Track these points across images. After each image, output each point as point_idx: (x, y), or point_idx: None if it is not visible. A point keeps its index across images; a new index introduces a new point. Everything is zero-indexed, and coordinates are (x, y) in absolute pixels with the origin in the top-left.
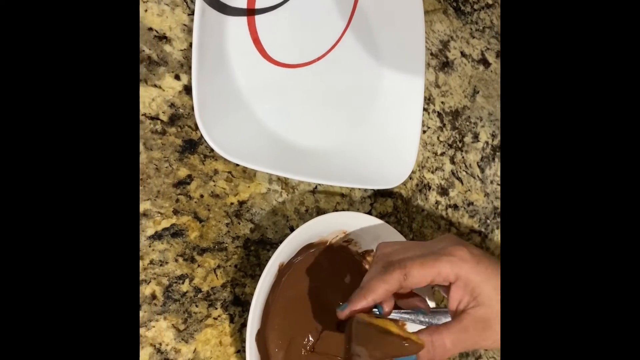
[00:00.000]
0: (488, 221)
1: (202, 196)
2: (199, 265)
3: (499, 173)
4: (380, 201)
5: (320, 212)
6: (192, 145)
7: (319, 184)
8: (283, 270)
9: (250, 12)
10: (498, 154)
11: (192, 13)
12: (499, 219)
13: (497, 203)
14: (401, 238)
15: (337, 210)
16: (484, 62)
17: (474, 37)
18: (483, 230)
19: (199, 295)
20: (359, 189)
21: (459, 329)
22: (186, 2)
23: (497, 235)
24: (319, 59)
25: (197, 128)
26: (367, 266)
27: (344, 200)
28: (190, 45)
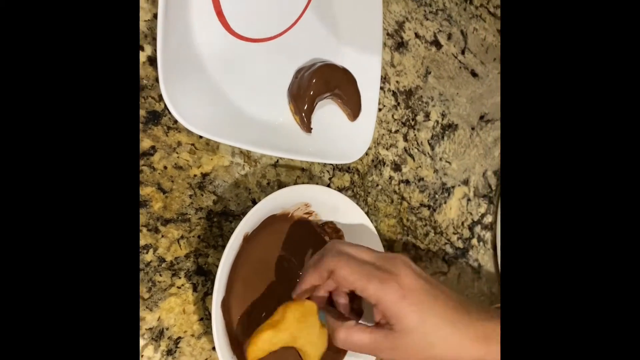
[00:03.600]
0: (437, 196)
1: (165, 168)
2: (162, 236)
3: (447, 150)
4: (338, 175)
5: (281, 185)
6: (156, 117)
7: (280, 158)
8: (246, 240)
9: None
10: (447, 132)
11: None
12: (446, 194)
13: (445, 179)
14: (359, 210)
15: (297, 184)
16: (436, 44)
17: (427, 19)
18: (432, 204)
19: (163, 265)
20: (319, 163)
21: (375, 334)
22: None
23: (444, 209)
24: (280, 34)
25: (160, 99)
26: (326, 238)
27: (304, 174)
28: (155, 16)
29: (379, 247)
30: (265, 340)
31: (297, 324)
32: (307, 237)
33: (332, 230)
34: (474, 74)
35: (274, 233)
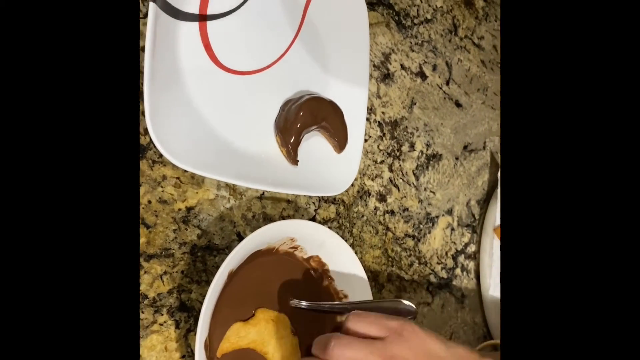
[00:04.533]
0: (421, 226)
1: (149, 202)
2: (145, 272)
3: (431, 181)
4: (324, 207)
5: (266, 217)
6: (141, 151)
7: (266, 191)
8: (231, 277)
9: (202, 18)
10: (432, 162)
11: (144, 17)
12: (430, 224)
13: (430, 209)
14: (344, 244)
15: (282, 216)
16: (422, 75)
17: (413, 51)
18: (416, 234)
19: (145, 302)
20: (305, 195)
21: None
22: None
23: (428, 240)
24: (268, 66)
25: (146, 133)
26: (312, 272)
27: (289, 206)
28: (141, 49)
29: (364, 280)
30: (232, 331)
31: (265, 324)
32: (293, 271)
33: (317, 264)
34: (458, 105)
35: (259, 268)
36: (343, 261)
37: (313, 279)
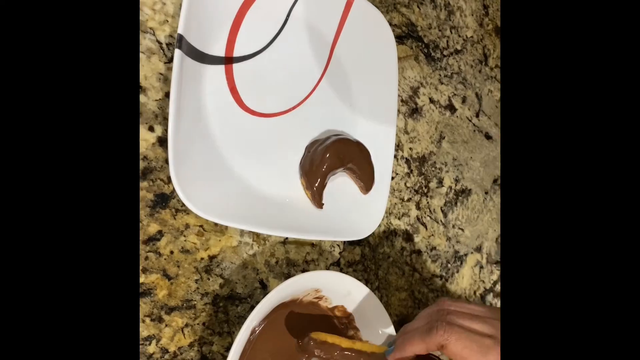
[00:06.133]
0: (449, 265)
1: (172, 252)
2: (166, 325)
3: (460, 217)
4: (348, 249)
5: (290, 263)
6: (164, 200)
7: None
8: (253, 331)
9: (228, 61)
10: (460, 198)
11: (169, 61)
12: (459, 263)
13: (458, 247)
14: (371, 294)
15: (306, 260)
16: (451, 108)
17: (442, 83)
18: (444, 274)
19: (166, 357)
20: None
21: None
22: (163, 50)
23: (457, 279)
24: (294, 107)
25: (169, 181)
26: (335, 321)
27: (313, 250)
28: (166, 95)
29: (390, 328)
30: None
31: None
32: (317, 322)
33: (342, 314)
34: (487, 137)
35: (282, 320)
36: (369, 309)
37: (338, 329)
